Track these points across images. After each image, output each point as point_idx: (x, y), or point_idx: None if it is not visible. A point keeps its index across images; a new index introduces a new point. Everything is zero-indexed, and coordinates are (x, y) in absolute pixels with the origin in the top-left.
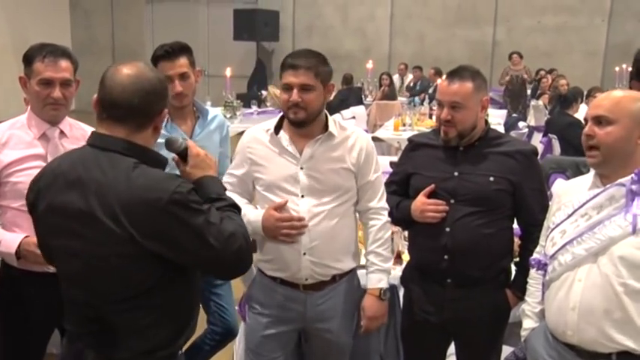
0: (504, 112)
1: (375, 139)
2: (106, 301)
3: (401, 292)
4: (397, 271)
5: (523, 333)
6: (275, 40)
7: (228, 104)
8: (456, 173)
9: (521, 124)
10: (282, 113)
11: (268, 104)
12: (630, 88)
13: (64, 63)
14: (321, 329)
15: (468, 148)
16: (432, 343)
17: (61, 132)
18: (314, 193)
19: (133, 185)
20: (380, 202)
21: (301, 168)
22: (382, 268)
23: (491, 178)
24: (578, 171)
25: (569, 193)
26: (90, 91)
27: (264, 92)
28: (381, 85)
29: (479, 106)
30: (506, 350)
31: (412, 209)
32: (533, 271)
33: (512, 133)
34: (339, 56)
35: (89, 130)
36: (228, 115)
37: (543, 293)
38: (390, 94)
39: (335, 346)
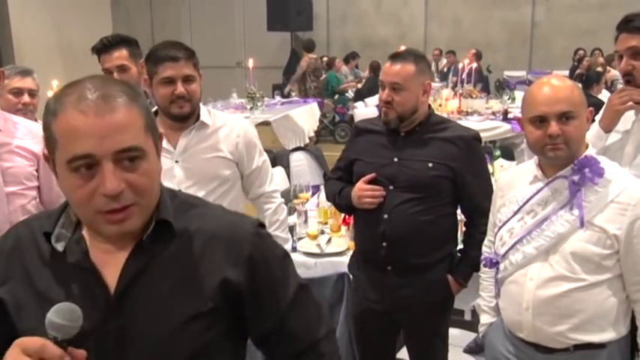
0: None
1: None
2: None
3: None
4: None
5: (481, 328)
6: (309, 29)
7: (250, 95)
8: (395, 159)
9: None
10: (156, 108)
11: (293, 94)
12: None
13: None
14: None
15: (409, 134)
16: (379, 331)
17: None
18: (191, 186)
19: None
20: (271, 185)
21: (176, 162)
22: None
23: (430, 164)
24: None
25: (512, 187)
26: None
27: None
28: None
29: (420, 89)
30: (452, 333)
31: (352, 195)
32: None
33: None
34: (373, 43)
35: (33, 126)
36: (249, 106)
37: (497, 288)
38: None
39: None
